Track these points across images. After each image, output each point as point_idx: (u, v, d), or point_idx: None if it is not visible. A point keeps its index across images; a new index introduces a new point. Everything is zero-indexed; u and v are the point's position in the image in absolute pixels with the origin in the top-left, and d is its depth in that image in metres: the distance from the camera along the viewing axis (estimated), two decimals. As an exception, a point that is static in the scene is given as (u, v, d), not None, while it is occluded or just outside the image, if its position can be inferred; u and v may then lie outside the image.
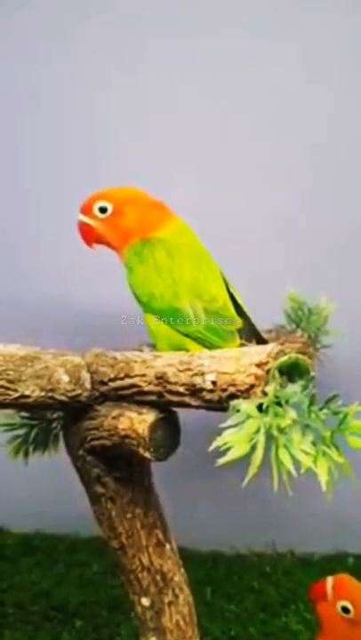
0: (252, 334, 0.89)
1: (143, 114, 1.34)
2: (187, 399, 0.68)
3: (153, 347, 0.92)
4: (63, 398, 0.71)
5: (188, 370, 0.68)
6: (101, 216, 0.91)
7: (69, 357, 0.73)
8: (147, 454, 0.70)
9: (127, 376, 0.72)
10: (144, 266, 0.89)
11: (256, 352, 0.64)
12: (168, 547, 0.83)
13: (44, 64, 1.34)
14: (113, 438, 0.73)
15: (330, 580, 0.87)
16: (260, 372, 0.62)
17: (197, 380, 0.66)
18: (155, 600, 0.82)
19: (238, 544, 1.39)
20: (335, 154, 1.32)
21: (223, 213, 1.29)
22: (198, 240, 0.94)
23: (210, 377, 0.65)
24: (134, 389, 0.72)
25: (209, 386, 0.65)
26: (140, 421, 0.70)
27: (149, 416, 0.70)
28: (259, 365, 0.62)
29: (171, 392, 0.69)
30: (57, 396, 0.71)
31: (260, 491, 1.35)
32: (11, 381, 0.68)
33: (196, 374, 0.67)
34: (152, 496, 0.82)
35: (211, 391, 0.65)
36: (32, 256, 1.39)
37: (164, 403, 0.71)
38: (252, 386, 0.62)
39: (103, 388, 0.74)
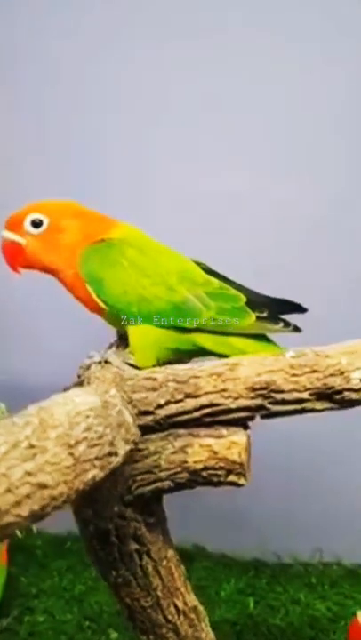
0: (261, 304, 0.81)
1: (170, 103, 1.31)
2: (309, 405, 0.65)
3: (113, 348, 0.84)
4: (133, 446, 0.62)
5: (314, 372, 0.64)
6: (34, 232, 0.79)
7: (112, 391, 0.64)
8: (242, 481, 0.65)
9: (190, 396, 0.67)
10: (117, 270, 0.78)
11: None
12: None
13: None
14: (179, 476, 0.67)
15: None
16: None
17: (336, 381, 0.64)
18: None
19: (282, 552, 1.37)
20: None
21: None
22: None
23: (358, 374, 0.64)
24: (205, 410, 0.66)
25: (358, 385, 0.64)
26: (227, 446, 0.65)
27: (239, 437, 0.65)
28: None
29: (283, 402, 0.65)
30: (132, 446, 0.62)
31: (306, 497, 1.35)
32: (112, 444, 0.56)
33: (331, 375, 0.64)
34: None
35: (359, 390, 0.64)
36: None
37: (265, 415, 0.67)
38: None
39: (147, 419, 0.67)
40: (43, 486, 0.46)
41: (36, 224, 0.80)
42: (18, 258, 0.81)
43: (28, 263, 0.82)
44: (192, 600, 0.80)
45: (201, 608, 0.82)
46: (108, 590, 1.26)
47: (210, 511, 1.32)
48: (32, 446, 0.46)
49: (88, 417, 0.54)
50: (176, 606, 0.77)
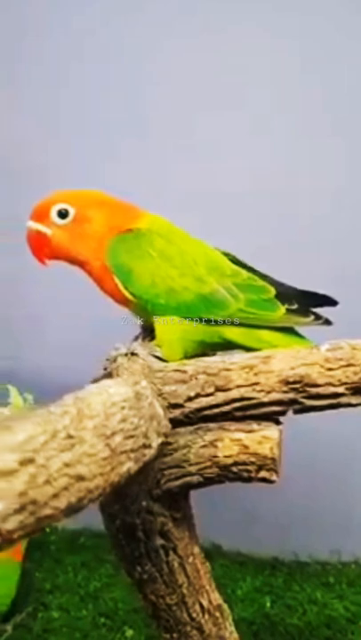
0: (291, 297, 0.80)
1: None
2: (345, 400, 0.63)
3: (139, 340, 0.83)
4: (164, 439, 0.60)
5: (350, 365, 0.62)
6: (60, 222, 0.78)
7: (143, 383, 0.61)
8: (273, 477, 0.63)
9: (221, 389, 0.65)
10: (146, 261, 0.77)
11: None
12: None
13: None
14: (208, 471, 0.65)
15: None
16: None
17: None
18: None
19: (300, 551, 1.35)
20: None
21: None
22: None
23: None
24: (236, 404, 0.64)
25: None
26: (259, 441, 0.63)
27: (271, 431, 0.63)
28: None
29: (317, 396, 0.63)
30: (163, 438, 0.60)
31: (325, 496, 1.33)
32: (145, 436, 0.54)
33: None
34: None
35: None
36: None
37: (298, 410, 0.65)
38: None
39: (176, 412, 0.66)
40: (80, 478, 0.44)
41: (62, 214, 0.78)
42: (44, 249, 0.79)
43: (54, 254, 0.80)
44: (217, 598, 0.78)
45: (225, 606, 0.80)
46: (123, 587, 1.26)
47: (227, 508, 1.30)
48: (70, 436, 0.44)
49: (123, 408, 0.52)
50: (201, 604, 0.75)
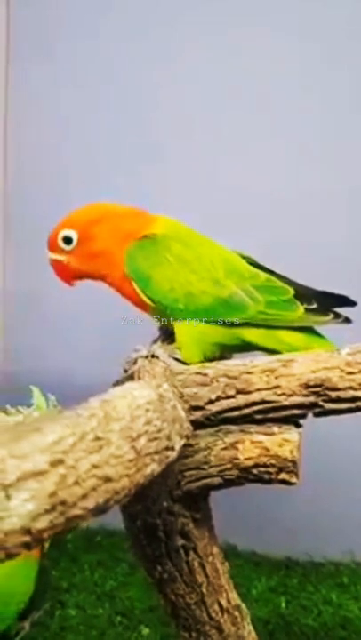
0: (310, 297, 0.80)
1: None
2: None
3: (158, 342, 0.84)
4: (186, 440, 0.61)
5: None
6: (68, 248, 0.80)
7: (165, 385, 0.62)
8: (293, 479, 0.65)
9: (241, 392, 0.66)
10: (164, 267, 0.78)
11: None
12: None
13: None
14: (229, 473, 0.66)
15: None
16: None
17: None
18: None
19: (313, 551, 1.36)
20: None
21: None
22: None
23: None
24: (257, 407, 0.66)
25: None
26: (280, 443, 0.64)
27: (291, 435, 0.65)
28: None
29: (338, 400, 0.64)
30: (185, 440, 0.61)
31: (338, 497, 1.33)
32: (169, 438, 0.55)
33: None
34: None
35: None
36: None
37: (318, 413, 0.66)
38: None
39: (197, 415, 0.67)
40: (107, 479, 0.45)
41: (67, 240, 0.80)
42: (66, 273, 0.83)
43: (76, 276, 0.83)
44: (235, 598, 0.79)
45: (244, 606, 0.81)
46: (139, 586, 1.27)
47: (242, 509, 1.31)
48: (98, 438, 0.45)
49: (148, 410, 0.53)
50: (220, 604, 0.76)
